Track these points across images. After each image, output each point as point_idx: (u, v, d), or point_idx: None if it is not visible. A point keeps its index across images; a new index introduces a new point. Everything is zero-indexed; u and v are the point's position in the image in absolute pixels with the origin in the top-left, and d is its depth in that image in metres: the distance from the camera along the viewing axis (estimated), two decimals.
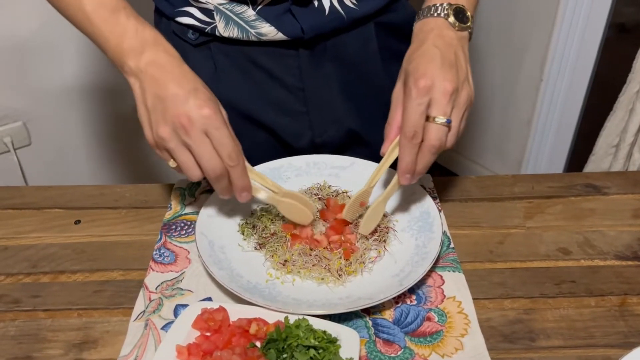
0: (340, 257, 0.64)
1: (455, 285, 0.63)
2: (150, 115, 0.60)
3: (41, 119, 1.64)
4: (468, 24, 0.66)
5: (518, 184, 0.79)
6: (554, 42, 1.73)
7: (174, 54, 0.62)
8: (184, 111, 0.57)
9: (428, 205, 0.70)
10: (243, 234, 0.69)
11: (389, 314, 0.60)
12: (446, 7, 0.65)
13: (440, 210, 0.73)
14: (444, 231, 0.70)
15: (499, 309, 0.61)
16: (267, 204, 0.70)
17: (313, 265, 0.63)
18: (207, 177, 0.60)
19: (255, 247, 0.67)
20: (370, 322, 0.59)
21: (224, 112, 0.62)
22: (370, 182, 0.67)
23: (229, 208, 0.71)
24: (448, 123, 0.60)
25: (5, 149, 1.63)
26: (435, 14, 0.65)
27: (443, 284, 0.63)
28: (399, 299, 0.61)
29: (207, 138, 0.58)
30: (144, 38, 0.61)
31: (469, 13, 0.66)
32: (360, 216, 0.68)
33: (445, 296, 0.62)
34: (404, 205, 0.72)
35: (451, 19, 0.65)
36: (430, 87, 0.59)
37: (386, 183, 0.70)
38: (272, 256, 0.65)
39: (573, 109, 1.82)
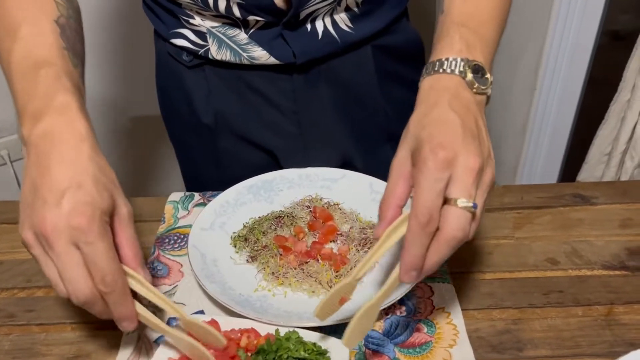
0: (330, 270, 0.65)
1: (444, 297, 0.64)
2: (21, 206, 0.48)
3: None
4: (487, 87, 0.54)
5: (507, 194, 0.80)
6: (547, 50, 1.74)
7: (77, 127, 0.49)
8: (51, 216, 0.45)
9: None
10: (235, 247, 0.69)
11: (378, 325, 0.60)
12: (462, 64, 0.53)
13: None
14: None
15: (488, 319, 0.61)
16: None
17: (304, 278, 0.64)
18: (72, 301, 0.48)
19: (247, 260, 0.68)
20: None
21: (124, 208, 0.51)
22: (356, 274, 0.52)
23: (222, 221, 0.72)
24: (474, 208, 0.47)
25: (2, 161, 1.64)
26: (449, 70, 0.53)
27: (432, 295, 0.64)
28: (388, 310, 0.62)
29: (76, 253, 0.46)
30: (50, 102, 0.49)
31: (488, 75, 0.55)
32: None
33: (434, 307, 0.62)
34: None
35: (469, 77, 0.53)
36: (451, 161, 0.47)
37: (379, 279, 0.59)
38: (264, 269, 0.66)
39: (567, 117, 1.83)
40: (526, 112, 1.89)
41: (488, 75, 0.54)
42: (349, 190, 0.77)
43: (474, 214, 0.47)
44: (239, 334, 0.56)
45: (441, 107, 0.51)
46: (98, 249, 0.46)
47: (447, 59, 0.54)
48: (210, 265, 0.65)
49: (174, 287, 0.66)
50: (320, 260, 0.66)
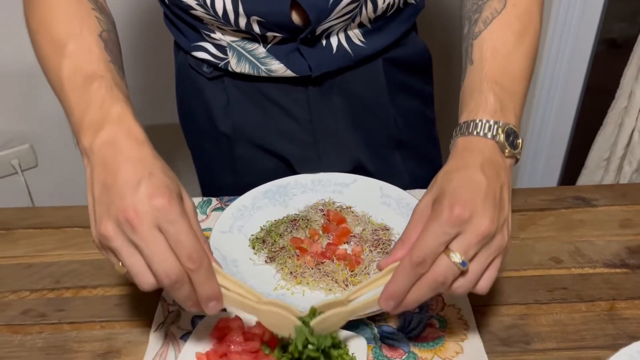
0: (345, 269, 0.68)
1: (454, 294, 0.67)
2: (95, 207, 0.50)
3: (48, 141, 1.69)
4: (518, 151, 0.56)
5: (512, 197, 0.83)
6: (545, 58, 1.78)
7: (136, 134, 0.52)
8: (132, 203, 0.47)
9: None
10: (254, 248, 0.73)
11: (393, 322, 0.64)
12: (495, 127, 0.55)
13: None
14: None
15: (496, 315, 0.65)
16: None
17: (320, 277, 0.67)
18: (160, 284, 0.48)
19: (265, 261, 0.71)
20: (376, 329, 0.63)
21: (189, 201, 0.53)
22: (350, 295, 0.55)
23: (240, 225, 0.75)
24: (463, 266, 0.50)
25: (13, 170, 1.67)
26: (482, 133, 0.55)
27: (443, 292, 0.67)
28: None
29: (160, 235, 0.47)
30: (107, 113, 0.53)
31: (520, 140, 0.57)
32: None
33: (445, 304, 0.66)
34: (405, 219, 0.75)
35: (501, 141, 0.55)
36: (465, 220, 0.49)
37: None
38: (282, 269, 0.69)
39: (565, 124, 1.87)
40: (525, 120, 1.93)
41: (519, 141, 0.57)
42: (360, 194, 0.80)
43: (463, 271, 0.50)
44: (261, 329, 0.59)
45: (473, 168, 0.53)
46: (182, 227, 0.48)
47: (480, 121, 0.56)
48: (231, 266, 0.69)
49: None
50: (335, 261, 0.69)
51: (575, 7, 1.66)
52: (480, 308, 0.65)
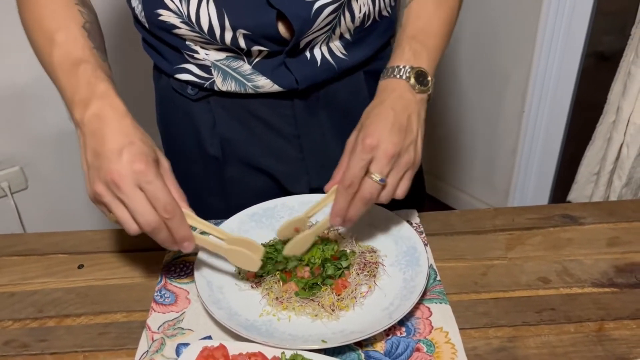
0: (332, 293, 0.67)
1: (442, 317, 0.66)
2: (89, 170, 0.61)
3: (38, 164, 1.68)
4: (428, 87, 0.70)
5: (499, 216, 0.84)
6: (534, 73, 1.80)
7: (119, 108, 0.62)
8: (116, 168, 0.58)
9: (414, 240, 0.74)
10: (239, 274, 0.72)
11: (380, 346, 0.63)
12: (408, 70, 0.69)
13: (426, 245, 0.77)
14: (431, 265, 0.74)
15: (484, 337, 0.64)
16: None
17: (307, 302, 0.67)
18: (142, 230, 0.60)
19: (251, 286, 0.70)
20: (362, 355, 0.62)
21: (165, 162, 0.64)
22: (308, 212, 0.71)
23: None
24: (382, 182, 0.64)
25: (3, 193, 1.66)
26: (398, 75, 0.69)
27: (431, 315, 0.67)
28: (389, 331, 0.65)
29: (140, 192, 0.58)
30: (93, 91, 0.62)
31: (429, 77, 0.70)
32: None
33: (432, 327, 0.65)
34: (392, 241, 0.76)
35: (412, 81, 0.69)
36: (374, 147, 0.64)
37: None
38: (268, 294, 0.69)
39: (555, 138, 1.88)
40: (515, 136, 1.94)
41: (429, 78, 0.70)
42: None
43: (383, 186, 0.65)
44: (247, 358, 0.58)
45: (384, 105, 0.67)
46: (157, 186, 0.59)
47: (397, 67, 0.70)
48: (216, 292, 0.68)
49: (182, 313, 0.68)
50: (322, 285, 0.69)
51: (562, 21, 1.68)
52: (468, 331, 0.65)
